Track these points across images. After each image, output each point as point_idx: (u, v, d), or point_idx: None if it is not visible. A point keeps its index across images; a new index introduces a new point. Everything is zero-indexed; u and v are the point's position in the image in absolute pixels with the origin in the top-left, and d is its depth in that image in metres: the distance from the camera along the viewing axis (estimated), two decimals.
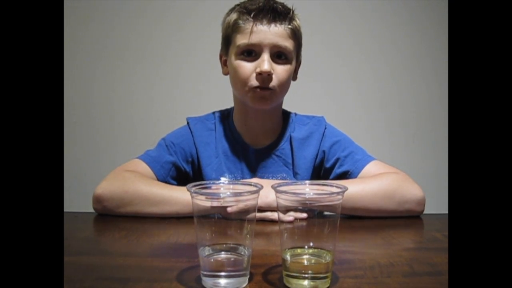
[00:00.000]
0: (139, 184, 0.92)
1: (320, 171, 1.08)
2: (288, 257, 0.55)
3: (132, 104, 1.89)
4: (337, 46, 1.92)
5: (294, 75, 1.07)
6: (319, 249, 0.56)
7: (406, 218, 0.93)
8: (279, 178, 1.06)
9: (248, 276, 0.55)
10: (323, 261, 0.55)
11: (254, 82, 0.97)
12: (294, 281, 0.54)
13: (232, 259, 0.54)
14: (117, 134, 1.89)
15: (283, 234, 0.57)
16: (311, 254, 0.56)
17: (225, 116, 1.12)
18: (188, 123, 1.11)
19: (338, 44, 1.92)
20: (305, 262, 0.55)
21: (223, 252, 0.54)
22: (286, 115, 1.14)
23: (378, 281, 0.56)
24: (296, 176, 1.07)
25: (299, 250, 0.57)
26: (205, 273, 0.53)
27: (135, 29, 1.88)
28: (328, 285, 0.54)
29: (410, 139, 1.91)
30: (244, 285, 0.54)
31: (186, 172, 1.07)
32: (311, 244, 0.57)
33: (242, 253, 0.54)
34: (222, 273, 0.53)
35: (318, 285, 0.53)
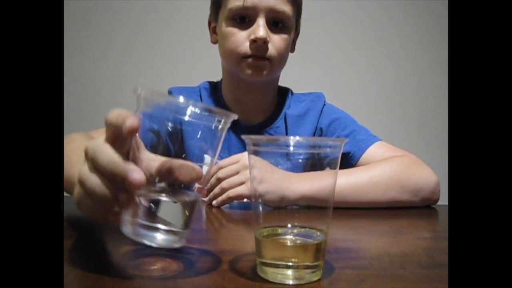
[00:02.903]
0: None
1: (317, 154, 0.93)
2: (262, 238, 0.39)
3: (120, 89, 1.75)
4: (339, 39, 1.82)
5: (292, 46, 0.93)
6: (306, 228, 0.41)
7: (417, 207, 0.77)
8: (272, 162, 0.91)
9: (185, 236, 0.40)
10: (312, 241, 0.39)
11: (247, 50, 0.83)
12: (271, 270, 0.38)
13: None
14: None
15: (256, 207, 0.42)
16: (296, 234, 0.41)
17: (212, 88, 0.98)
18: (170, 93, 0.96)
19: (339, 37, 1.82)
20: (288, 243, 0.40)
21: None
22: (283, 92, 1.00)
23: (389, 273, 0.41)
24: (289, 157, 0.91)
25: (279, 230, 0.41)
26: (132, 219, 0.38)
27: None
28: (319, 277, 0.38)
29: (414, 132, 1.77)
30: (178, 245, 0.39)
31: (168, 145, 0.91)
32: (296, 221, 0.41)
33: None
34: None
35: (304, 276, 0.38)
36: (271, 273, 0.38)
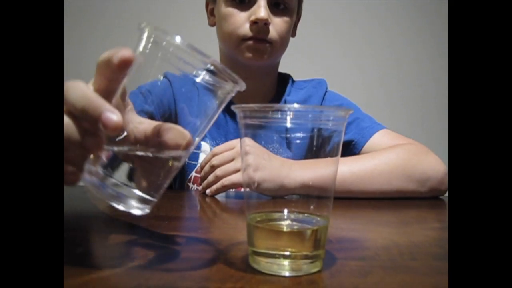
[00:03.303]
0: None
1: (318, 143, 0.88)
2: (255, 223, 0.35)
3: None
4: (340, 29, 1.78)
5: (293, 31, 0.88)
6: (305, 214, 0.36)
7: (424, 198, 0.72)
8: (270, 149, 0.86)
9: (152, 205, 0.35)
10: (311, 228, 0.35)
11: (247, 32, 0.79)
12: (265, 260, 0.33)
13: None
14: None
15: (249, 195, 0.37)
16: (294, 220, 0.36)
17: None
18: (165, 76, 0.91)
19: (341, 26, 1.78)
20: (284, 229, 0.35)
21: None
22: (283, 78, 0.95)
23: (399, 265, 0.36)
24: (290, 145, 0.87)
25: (274, 215, 0.37)
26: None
27: None
28: (318, 268, 0.34)
29: (418, 124, 1.72)
30: (140, 212, 0.34)
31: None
32: (293, 207, 0.37)
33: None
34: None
35: (302, 267, 0.33)
36: (264, 263, 0.33)
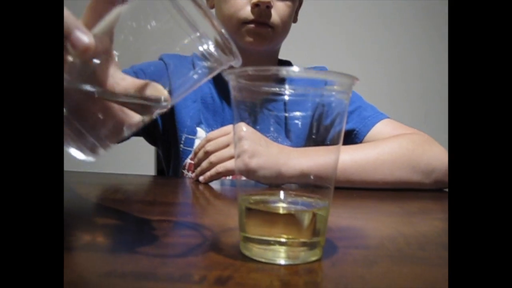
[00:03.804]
0: None
1: (319, 130, 0.84)
2: (247, 207, 0.31)
3: None
4: (341, 19, 1.73)
5: (294, 16, 0.85)
6: (303, 196, 0.32)
7: (427, 190, 0.68)
8: (269, 137, 0.83)
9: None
10: (309, 211, 0.31)
11: (248, 15, 0.75)
12: (257, 246, 0.30)
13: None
14: None
15: (241, 182, 0.33)
16: (290, 203, 0.32)
17: None
18: (161, 58, 0.87)
19: (342, 17, 1.72)
20: (280, 211, 0.31)
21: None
22: (283, 65, 0.91)
23: (406, 254, 0.32)
24: (289, 134, 0.83)
25: (269, 197, 0.33)
26: None
27: None
28: (318, 256, 0.30)
29: (421, 119, 1.68)
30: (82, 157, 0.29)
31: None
32: (290, 190, 0.33)
33: None
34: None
35: (299, 254, 0.29)
36: (256, 250, 0.29)
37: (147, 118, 0.32)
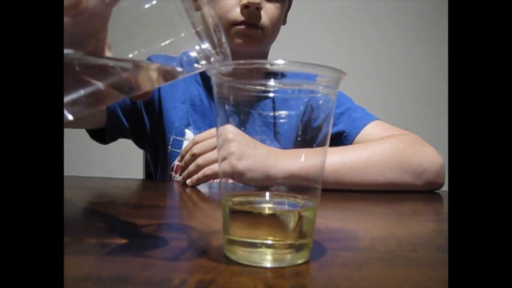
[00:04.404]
0: None
1: (307, 130, 0.83)
2: (231, 208, 0.30)
3: None
4: (331, 21, 1.73)
5: (284, 18, 0.84)
6: (290, 197, 0.31)
7: (420, 192, 0.68)
8: (258, 139, 0.82)
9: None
10: (295, 211, 0.30)
11: (238, 16, 0.74)
12: (242, 249, 0.28)
13: None
14: None
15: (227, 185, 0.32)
16: (277, 203, 0.31)
17: None
18: (149, 58, 0.86)
19: (332, 18, 1.72)
20: (266, 211, 0.30)
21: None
22: None
23: (397, 256, 0.31)
24: (277, 136, 0.82)
25: (254, 197, 0.32)
26: None
27: None
28: (305, 259, 0.29)
29: (412, 119, 1.68)
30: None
31: (141, 111, 0.81)
32: (276, 191, 0.32)
33: None
34: None
35: (285, 257, 0.28)
36: (241, 252, 0.28)
37: (125, 88, 0.30)
